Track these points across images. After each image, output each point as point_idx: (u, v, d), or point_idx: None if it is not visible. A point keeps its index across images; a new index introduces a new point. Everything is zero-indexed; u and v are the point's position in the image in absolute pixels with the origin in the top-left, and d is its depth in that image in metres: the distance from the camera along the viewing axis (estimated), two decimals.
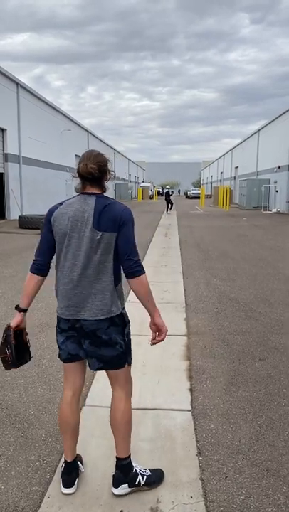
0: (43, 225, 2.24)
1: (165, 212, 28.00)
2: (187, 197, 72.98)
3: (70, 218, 2.12)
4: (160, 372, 3.82)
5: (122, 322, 2.24)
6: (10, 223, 19.44)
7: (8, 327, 2.25)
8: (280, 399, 3.39)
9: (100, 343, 2.19)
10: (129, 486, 2.30)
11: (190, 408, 3.22)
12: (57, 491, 2.33)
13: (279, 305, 6.10)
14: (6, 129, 21.34)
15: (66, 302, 2.18)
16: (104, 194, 2.23)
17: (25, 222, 17.12)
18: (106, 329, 2.17)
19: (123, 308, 2.27)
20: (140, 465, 2.41)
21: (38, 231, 15.39)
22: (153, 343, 2.28)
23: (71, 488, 2.31)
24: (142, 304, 2.20)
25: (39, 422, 3.02)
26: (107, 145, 50.98)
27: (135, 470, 2.33)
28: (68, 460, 2.37)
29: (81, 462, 2.48)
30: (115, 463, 2.34)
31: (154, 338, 2.26)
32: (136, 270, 2.10)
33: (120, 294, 2.23)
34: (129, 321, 2.31)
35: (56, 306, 2.26)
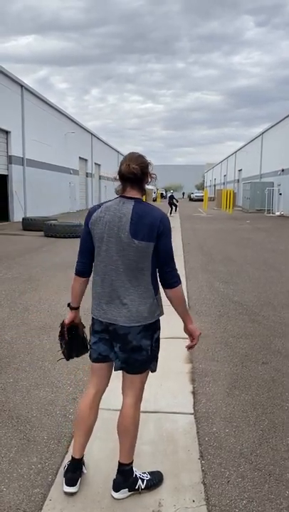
0: (84, 226, 2.29)
1: (168, 214, 28.05)
2: (190, 199, 73.03)
3: (107, 223, 2.12)
4: (162, 374, 3.79)
5: (153, 328, 2.23)
6: (13, 225, 19.49)
7: (63, 324, 2.42)
8: (283, 402, 3.37)
9: (130, 349, 2.18)
10: (129, 491, 2.30)
11: (192, 411, 3.21)
12: (59, 493, 2.32)
13: (282, 308, 6.07)
14: (10, 131, 21.41)
15: (101, 305, 2.21)
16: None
17: (29, 224, 17.14)
18: (137, 334, 2.17)
19: (158, 315, 2.26)
20: (141, 468, 2.40)
21: (42, 233, 15.44)
22: (188, 348, 2.32)
23: (74, 487, 2.30)
24: (176, 310, 2.25)
25: (41, 424, 3.02)
26: (111, 147, 51.07)
27: (135, 475, 2.33)
28: (76, 457, 2.36)
29: (83, 464, 2.47)
30: (117, 467, 2.33)
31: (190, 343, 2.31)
32: (173, 281, 2.14)
33: (159, 303, 2.24)
34: (159, 328, 2.29)
35: (90, 307, 2.29)
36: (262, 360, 4.22)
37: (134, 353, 2.19)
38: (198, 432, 2.93)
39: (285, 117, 30.15)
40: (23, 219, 17.77)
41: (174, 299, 2.19)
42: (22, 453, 2.70)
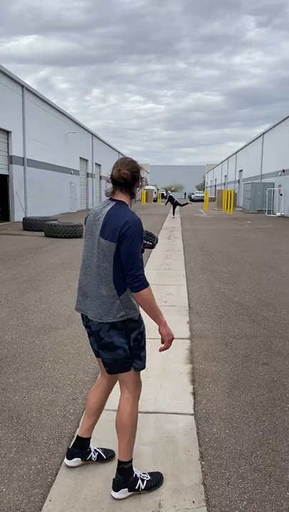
0: None
1: (170, 215, 27.94)
2: (191, 200, 73.01)
3: (89, 221, 2.30)
4: (163, 375, 3.81)
5: (126, 327, 2.24)
6: (14, 225, 19.50)
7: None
8: (284, 403, 3.37)
9: (102, 345, 2.26)
10: (129, 491, 2.30)
11: (193, 412, 3.20)
12: (58, 494, 2.32)
13: (283, 309, 6.07)
14: (10, 131, 21.43)
15: (78, 296, 2.38)
16: (133, 200, 2.33)
17: (29, 224, 17.16)
18: (107, 331, 2.23)
19: (132, 315, 2.24)
20: (141, 469, 2.40)
21: (42, 233, 15.44)
22: (160, 350, 2.32)
23: (70, 461, 2.49)
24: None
25: (41, 425, 3.01)
26: (112, 148, 51.08)
27: (135, 475, 2.33)
28: (79, 434, 2.52)
29: (89, 448, 2.55)
30: (117, 466, 2.33)
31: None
32: (134, 286, 2.14)
33: (126, 304, 2.23)
34: (138, 328, 2.29)
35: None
36: (262, 360, 4.21)
37: (110, 351, 2.24)
38: (198, 433, 2.93)
39: (286, 118, 30.14)
40: (23, 219, 17.78)
41: (140, 303, 2.19)
42: (22, 453, 2.69)
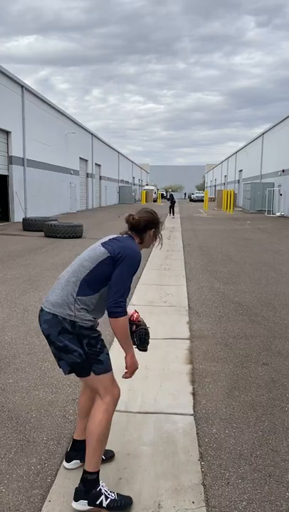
0: None
1: (169, 215, 27.96)
2: (191, 200, 73.04)
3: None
4: (162, 375, 3.80)
5: (75, 332, 2.16)
6: (14, 225, 19.50)
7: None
8: (283, 404, 3.37)
9: (58, 348, 2.22)
10: (89, 504, 2.16)
11: (192, 412, 3.20)
12: (58, 494, 2.32)
13: (283, 309, 6.07)
14: (10, 132, 21.42)
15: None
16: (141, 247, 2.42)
17: (29, 225, 17.16)
18: (57, 336, 2.18)
19: (82, 323, 2.17)
20: (141, 469, 2.39)
21: (42, 233, 15.43)
22: (123, 377, 2.30)
23: (67, 464, 2.51)
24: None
25: (40, 425, 3.01)
26: (112, 148, 51.09)
27: (100, 489, 2.20)
28: (74, 437, 2.55)
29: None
30: (82, 474, 2.23)
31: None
32: (115, 312, 2.14)
33: (79, 307, 2.17)
34: (90, 336, 2.19)
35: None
36: (262, 361, 4.21)
37: (67, 354, 2.19)
38: (198, 433, 2.92)
39: (286, 118, 30.14)
40: (23, 219, 17.77)
41: (115, 331, 2.18)
42: (21, 454, 2.69)
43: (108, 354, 2.28)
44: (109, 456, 2.59)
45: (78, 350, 2.18)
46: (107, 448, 2.65)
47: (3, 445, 2.78)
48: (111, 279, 2.18)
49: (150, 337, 2.43)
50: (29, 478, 2.47)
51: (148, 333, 2.46)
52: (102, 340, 2.28)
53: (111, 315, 2.15)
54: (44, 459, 2.64)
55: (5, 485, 2.41)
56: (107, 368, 2.25)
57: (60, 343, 2.18)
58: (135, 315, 2.49)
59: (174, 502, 2.27)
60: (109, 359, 2.28)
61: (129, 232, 2.40)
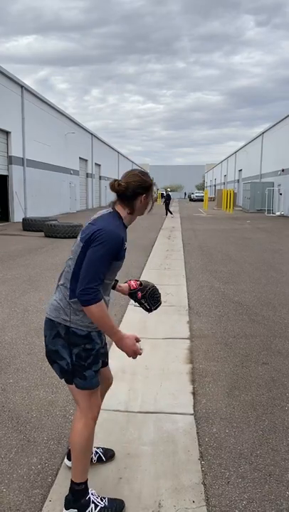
0: None
1: (169, 214, 27.92)
2: (191, 200, 73.05)
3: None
4: (163, 375, 3.81)
5: (68, 338, 2.07)
6: (14, 225, 19.50)
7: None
8: (284, 403, 3.37)
9: (49, 352, 2.15)
10: None
11: (192, 412, 3.21)
12: (58, 494, 2.32)
13: (282, 308, 6.07)
14: (10, 132, 21.43)
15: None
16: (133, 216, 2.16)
17: (29, 225, 17.17)
18: (52, 339, 2.11)
19: (76, 328, 2.06)
20: (140, 469, 2.39)
21: (42, 233, 15.44)
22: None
23: (68, 462, 2.46)
24: None
25: (41, 425, 3.02)
26: (112, 148, 51.08)
27: (89, 498, 2.16)
28: None
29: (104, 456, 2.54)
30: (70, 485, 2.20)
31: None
32: (83, 300, 1.93)
33: (73, 310, 2.05)
34: (82, 345, 2.07)
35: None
36: (262, 360, 4.21)
37: (58, 359, 2.11)
38: (198, 433, 2.93)
39: (286, 117, 30.14)
40: (23, 219, 17.78)
41: (89, 317, 1.99)
42: (22, 454, 2.70)
43: (96, 372, 2.12)
44: (109, 456, 2.60)
45: (67, 358, 2.09)
46: (107, 447, 2.66)
47: (3, 445, 2.78)
48: (83, 263, 1.98)
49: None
50: (30, 478, 2.47)
51: (155, 290, 2.40)
52: (97, 356, 2.12)
53: (82, 303, 1.94)
54: (45, 459, 2.64)
55: (6, 485, 2.41)
56: (90, 386, 2.10)
57: (54, 346, 2.10)
58: (132, 283, 2.42)
59: (174, 501, 2.27)
60: (96, 377, 2.12)
61: (117, 206, 2.12)
